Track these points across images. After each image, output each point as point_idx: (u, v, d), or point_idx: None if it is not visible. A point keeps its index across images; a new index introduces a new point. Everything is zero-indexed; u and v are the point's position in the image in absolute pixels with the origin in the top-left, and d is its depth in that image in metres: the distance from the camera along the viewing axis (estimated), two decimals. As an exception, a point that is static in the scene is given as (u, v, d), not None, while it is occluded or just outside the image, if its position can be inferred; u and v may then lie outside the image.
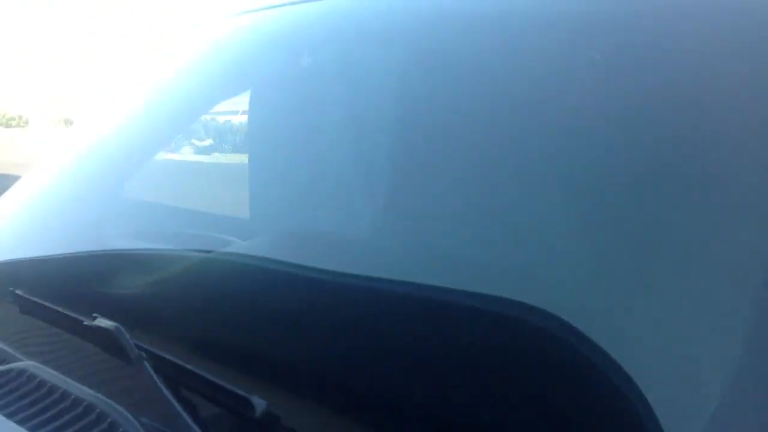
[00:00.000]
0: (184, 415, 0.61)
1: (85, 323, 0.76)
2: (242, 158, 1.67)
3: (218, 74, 1.43)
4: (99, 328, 0.74)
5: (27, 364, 0.78)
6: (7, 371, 0.78)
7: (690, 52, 0.78)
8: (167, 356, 0.69)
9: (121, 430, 0.65)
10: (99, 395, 0.70)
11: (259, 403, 0.62)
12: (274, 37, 1.37)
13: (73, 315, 0.80)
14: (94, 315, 0.77)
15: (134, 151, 1.36)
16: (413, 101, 1.05)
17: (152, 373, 0.66)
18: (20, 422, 0.68)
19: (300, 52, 1.28)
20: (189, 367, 0.68)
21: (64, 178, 1.30)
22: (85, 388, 0.71)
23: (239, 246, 1.08)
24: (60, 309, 0.83)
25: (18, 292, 0.89)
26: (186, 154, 1.68)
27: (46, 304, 0.85)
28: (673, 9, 0.83)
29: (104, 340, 0.72)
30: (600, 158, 0.78)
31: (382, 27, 1.18)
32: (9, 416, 0.69)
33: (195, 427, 0.60)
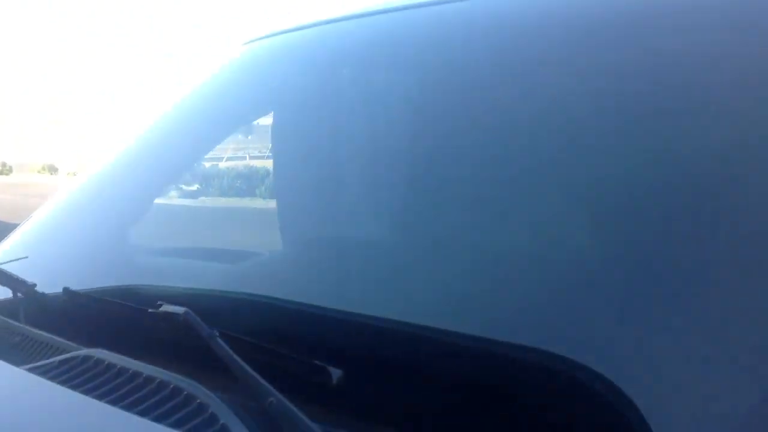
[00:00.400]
0: (265, 384, 0.65)
1: (150, 311, 0.79)
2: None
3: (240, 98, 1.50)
4: (167, 313, 0.77)
5: (92, 350, 0.81)
6: (72, 358, 0.80)
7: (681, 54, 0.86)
8: (237, 335, 0.73)
9: (197, 401, 0.68)
10: (172, 373, 0.73)
11: (335, 372, 0.66)
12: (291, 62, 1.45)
13: (136, 306, 0.84)
14: (159, 303, 0.80)
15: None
16: (429, 119, 1.11)
17: (228, 349, 0.70)
18: (96, 398, 0.71)
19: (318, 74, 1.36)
20: (261, 343, 0.72)
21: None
22: (157, 368, 0.74)
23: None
24: (121, 301, 0.86)
25: (72, 288, 0.93)
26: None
27: (106, 298, 0.88)
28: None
29: (174, 324, 0.76)
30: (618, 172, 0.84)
31: (397, 46, 1.26)
32: (82, 393, 0.72)
33: (278, 394, 0.63)
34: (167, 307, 0.78)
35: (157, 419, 0.66)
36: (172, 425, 0.65)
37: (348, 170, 1.18)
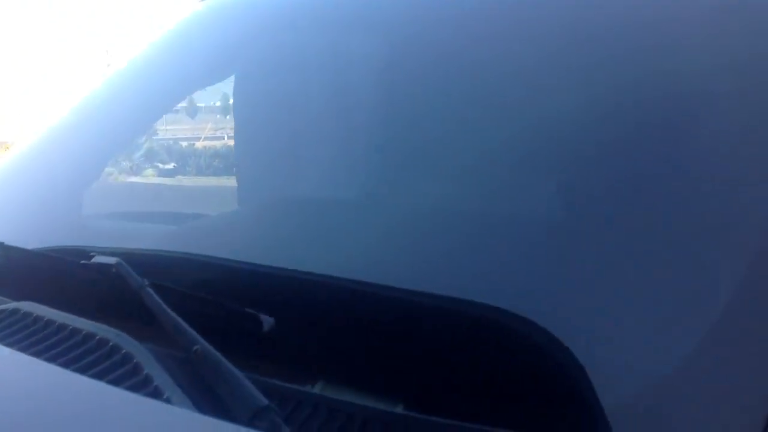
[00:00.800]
0: (191, 332, 0.62)
1: (83, 262, 0.76)
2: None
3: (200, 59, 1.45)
4: (99, 264, 0.74)
5: (19, 303, 0.78)
6: (0, 312, 0.77)
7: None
8: (169, 284, 0.70)
9: (123, 352, 0.65)
10: (99, 324, 0.70)
11: (267, 320, 0.63)
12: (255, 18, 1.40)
13: (68, 258, 0.80)
14: (91, 254, 0.77)
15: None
16: (399, 82, 1.08)
17: (158, 298, 0.67)
18: (20, 350, 0.68)
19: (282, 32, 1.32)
20: (193, 292, 0.69)
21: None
22: (84, 320, 0.71)
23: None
24: (53, 254, 0.83)
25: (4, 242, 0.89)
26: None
27: (37, 250, 0.85)
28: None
29: (106, 275, 0.72)
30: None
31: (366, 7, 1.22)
32: (6, 346, 0.69)
33: (204, 342, 0.60)
34: (99, 258, 0.75)
35: (80, 370, 0.63)
36: (94, 376, 0.62)
37: (298, 131, 1.14)
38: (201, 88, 1.58)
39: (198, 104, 1.68)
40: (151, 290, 0.68)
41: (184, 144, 1.78)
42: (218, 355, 0.59)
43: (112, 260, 0.73)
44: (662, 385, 0.54)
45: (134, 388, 0.60)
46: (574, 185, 0.77)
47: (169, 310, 0.65)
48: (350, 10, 1.26)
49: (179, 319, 0.64)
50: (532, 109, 0.87)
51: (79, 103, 1.43)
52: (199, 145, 1.73)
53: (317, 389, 0.59)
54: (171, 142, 1.75)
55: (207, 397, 0.58)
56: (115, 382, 0.61)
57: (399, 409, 0.56)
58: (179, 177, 1.58)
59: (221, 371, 0.58)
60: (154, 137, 1.62)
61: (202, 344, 0.60)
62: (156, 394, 0.59)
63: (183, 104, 1.71)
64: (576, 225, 0.72)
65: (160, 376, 0.61)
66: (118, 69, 1.49)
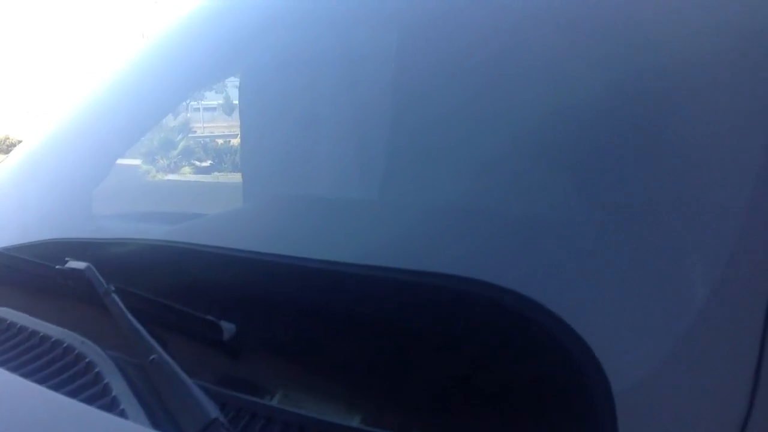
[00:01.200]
0: (150, 341, 0.60)
1: (57, 267, 0.75)
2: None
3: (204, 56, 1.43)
4: (71, 269, 0.73)
5: (-3, 309, 0.77)
6: None
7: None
8: (136, 290, 0.68)
9: (86, 360, 0.64)
10: (67, 331, 0.69)
11: (228, 328, 0.61)
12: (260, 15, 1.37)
13: (44, 262, 0.79)
14: (66, 259, 0.76)
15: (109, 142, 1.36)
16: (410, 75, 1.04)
17: (121, 305, 0.65)
18: None
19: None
20: (157, 299, 0.67)
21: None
22: (53, 326, 0.70)
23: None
24: (31, 258, 0.82)
25: None
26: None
27: (17, 254, 0.84)
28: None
29: (76, 279, 0.71)
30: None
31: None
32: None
33: (160, 351, 0.59)
34: (72, 263, 0.74)
35: (42, 380, 0.62)
36: (55, 386, 0.61)
37: (306, 127, 1.11)
38: (210, 83, 1.57)
39: (234, 102, 1.67)
40: (115, 296, 0.66)
41: (220, 142, 1.78)
42: (173, 365, 0.57)
43: (82, 265, 0.72)
44: (642, 386, 0.50)
45: (91, 399, 0.58)
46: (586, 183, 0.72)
47: (130, 317, 0.63)
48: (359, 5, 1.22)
49: (139, 327, 0.62)
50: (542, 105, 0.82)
51: (88, 96, 1.42)
52: (235, 142, 1.72)
53: (275, 401, 0.57)
54: (207, 140, 1.74)
55: (160, 409, 0.56)
56: (74, 393, 0.59)
57: (355, 423, 0.53)
58: (215, 174, 1.58)
59: (174, 382, 0.56)
60: (191, 135, 1.61)
61: (159, 353, 0.59)
62: (112, 405, 0.57)
63: (219, 101, 1.71)
64: (561, 223, 0.68)
65: (118, 386, 0.59)
66: (127, 61, 1.47)
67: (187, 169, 1.52)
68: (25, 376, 0.63)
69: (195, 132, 1.64)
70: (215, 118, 1.79)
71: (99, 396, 0.59)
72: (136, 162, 1.48)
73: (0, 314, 0.75)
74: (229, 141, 1.71)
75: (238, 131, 1.59)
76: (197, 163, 1.55)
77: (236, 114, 1.49)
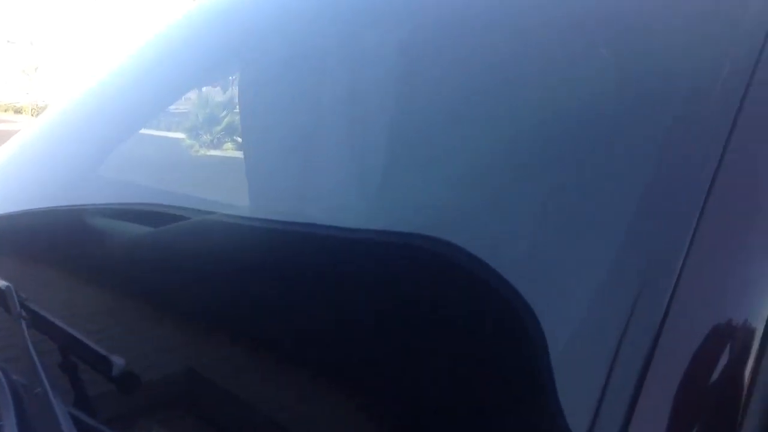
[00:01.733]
0: (39, 372, 0.60)
1: None
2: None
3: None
4: None
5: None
6: None
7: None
8: (47, 316, 0.68)
9: None
10: None
11: (117, 363, 0.60)
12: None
13: None
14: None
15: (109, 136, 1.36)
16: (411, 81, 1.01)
17: (24, 330, 0.65)
18: None
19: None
20: (63, 326, 0.67)
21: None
22: None
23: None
24: None
25: None
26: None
27: None
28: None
29: (2, 301, 0.72)
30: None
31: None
32: None
33: (45, 384, 0.58)
34: (-1, 283, 0.75)
35: None
36: None
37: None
38: (213, 80, 1.55)
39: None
40: (23, 322, 0.67)
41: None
42: (52, 399, 0.57)
43: (2, 285, 0.73)
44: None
45: None
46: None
47: (29, 346, 0.64)
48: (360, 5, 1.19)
49: (34, 356, 0.62)
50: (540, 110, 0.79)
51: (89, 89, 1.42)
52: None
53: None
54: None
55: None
56: None
57: None
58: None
59: (50, 417, 0.56)
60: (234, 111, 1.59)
61: (44, 386, 0.59)
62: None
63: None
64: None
65: (8, 419, 0.59)
66: (129, 56, 1.46)
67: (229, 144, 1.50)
68: None
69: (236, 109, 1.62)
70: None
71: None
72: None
73: None
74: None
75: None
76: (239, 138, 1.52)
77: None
